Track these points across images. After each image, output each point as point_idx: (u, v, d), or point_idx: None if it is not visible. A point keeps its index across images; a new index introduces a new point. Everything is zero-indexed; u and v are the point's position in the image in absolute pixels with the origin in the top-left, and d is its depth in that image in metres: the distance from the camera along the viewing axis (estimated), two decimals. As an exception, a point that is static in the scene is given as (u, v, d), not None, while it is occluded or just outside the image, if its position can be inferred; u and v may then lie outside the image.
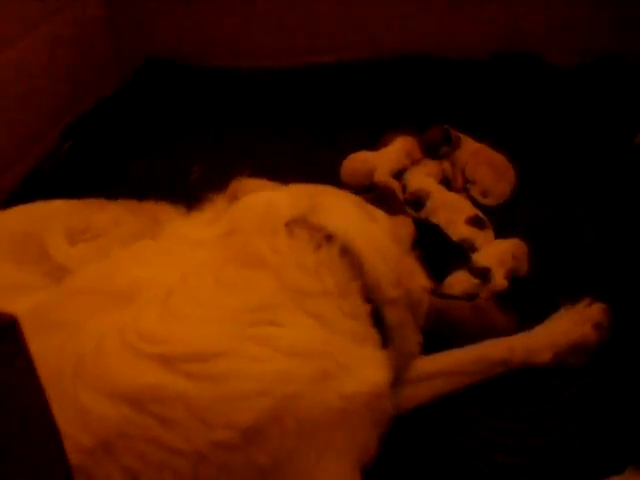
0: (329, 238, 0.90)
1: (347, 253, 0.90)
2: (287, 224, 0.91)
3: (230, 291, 0.81)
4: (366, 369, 0.82)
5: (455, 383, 1.22)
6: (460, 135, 1.92)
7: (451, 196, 1.77)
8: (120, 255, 0.91)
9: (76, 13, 2.14)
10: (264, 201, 0.97)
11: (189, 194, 1.65)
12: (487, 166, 1.82)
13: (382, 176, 1.84)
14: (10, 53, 1.81)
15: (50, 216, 1.17)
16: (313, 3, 2.26)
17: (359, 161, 1.90)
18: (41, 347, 0.70)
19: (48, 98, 2.02)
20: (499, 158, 1.85)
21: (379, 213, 1.07)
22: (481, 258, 1.49)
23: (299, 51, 2.31)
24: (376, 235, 0.97)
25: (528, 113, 2.12)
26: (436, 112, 2.07)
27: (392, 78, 2.21)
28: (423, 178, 1.82)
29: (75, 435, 0.68)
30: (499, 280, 1.44)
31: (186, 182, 1.90)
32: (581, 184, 1.83)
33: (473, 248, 1.56)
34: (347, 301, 0.87)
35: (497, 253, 1.50)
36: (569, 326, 1.28)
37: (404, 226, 1.07)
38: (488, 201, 1.78)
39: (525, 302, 1.42)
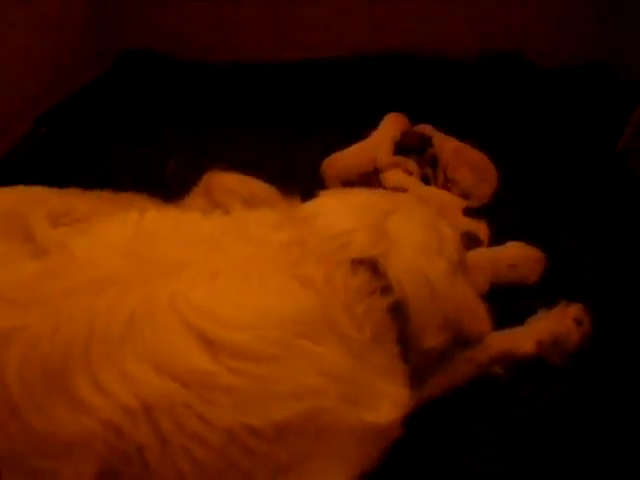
0: (386, 289, 0.92)
1: (397, 309, 0.93)
2: (354, 261, 0.91)
3: (272, 294, 0.83)
4: (387, 405, 0.87)
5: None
6: (441, 135, 1.90)
7: (434, 191, 1.72)
8: (166, 224, 0.93)
9: (57, 2, 2.09)
10: (340, 227, 0.97)
11: (164, 186, 1.64)
12: (468, 167, 1.79)
13: (384, 161, 1.80)
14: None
15: (32, 198, 1.15)
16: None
17: (351, 156, 1.84)
18: (92, 302, 0.76)
19: (25, 86, 1.96)
20: (480, 158, 1.82)
21: (449, 234, 1.07)
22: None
23: (282, 46, 2.28)
24: (437, 281, 0.98)
25: (512, 114, 2.12)
26: (420, 111, 2.04)
27: (377, 75, 2.19)
28: (401, 175, 1.79)
29: (118, 394, 0.71)
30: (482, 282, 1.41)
31: (162, 174, 1.87)
32: (563, 187, 1.83)
33: (479, 241, 1.52)
34: (380, 345, 0.91)
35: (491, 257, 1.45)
36: (550, 322, 1.30)
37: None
38: (469, 203, 1.74)
39: (503, 305, 1.40)
